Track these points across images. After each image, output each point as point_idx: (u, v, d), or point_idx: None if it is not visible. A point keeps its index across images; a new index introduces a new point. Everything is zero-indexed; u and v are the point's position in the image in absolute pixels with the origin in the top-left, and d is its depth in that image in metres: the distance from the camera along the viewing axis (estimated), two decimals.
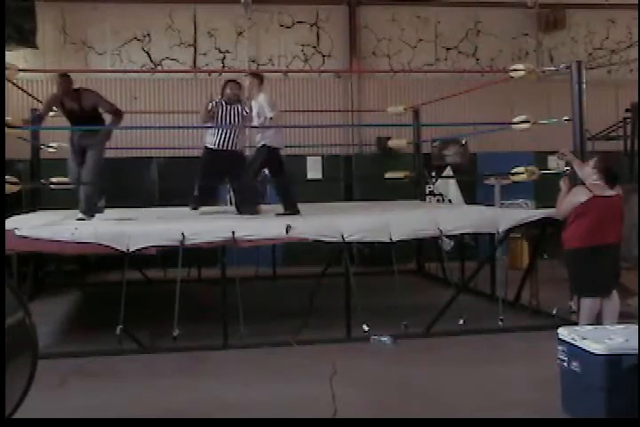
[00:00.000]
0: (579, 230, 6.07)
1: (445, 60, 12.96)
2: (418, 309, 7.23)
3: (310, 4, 12.61)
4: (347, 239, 6.62)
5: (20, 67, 7.07)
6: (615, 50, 13.16)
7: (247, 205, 7.95)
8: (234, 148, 7.90)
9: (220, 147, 7.83)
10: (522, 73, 7.40)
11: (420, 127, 10.58)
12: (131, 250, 6.19)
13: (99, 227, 6.52)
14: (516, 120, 7.58)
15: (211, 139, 7.87)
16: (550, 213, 6.85)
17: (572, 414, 4.37)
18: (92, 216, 7.54)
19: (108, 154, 8.50)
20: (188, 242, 6.29)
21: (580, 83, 6.83)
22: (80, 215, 7.47)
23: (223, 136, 7.84)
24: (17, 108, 10.06)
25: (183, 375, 5.57)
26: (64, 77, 7.51)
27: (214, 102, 7.92)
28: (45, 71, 11.12)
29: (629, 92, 11.47)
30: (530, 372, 5.35)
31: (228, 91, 7.98)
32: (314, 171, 12.34)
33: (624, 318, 6.10)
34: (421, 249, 10.46)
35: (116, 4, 12.01)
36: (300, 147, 11.83)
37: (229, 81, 8.09)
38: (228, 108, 7.90)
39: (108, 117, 7.80)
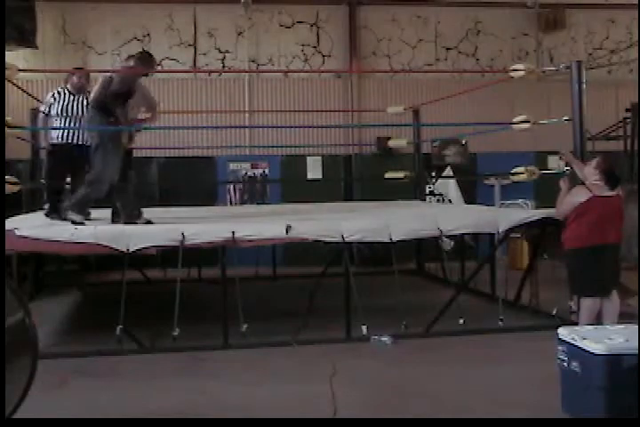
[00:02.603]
0: (579, 230, 6.08)
1: (445, 60, 12.96)
2: (418, 309, 7.23)
3: (310, 3, 12.61)
4: (347, 239, 6.62)
5: (20, 67, 7.05)
6: (615, 50, 13.15)
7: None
8: (80, 142, 7.42)
9: (66, 140, 7.39)
10: (522, 73, 7.39)
11: (420, 127, 10.58)
12: (131, 250, 6.19)
13: (99, 227, 6.51)
14: (516, 120, 7.57)
15: (55, 133, 7.41)
16: (550, 213, 6.85)
17: (572, 414, 4.37)
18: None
19: None
20: (187, 242, 6.28)
21: (580, 83, 6.83)
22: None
23: (68, 130, 7.39)
24: (17, 108, 10.06)
25: (183, 375, 5.56)
26: None
27: (55, 92, 7.53)
28: (45, 71, 11.12)
29: (629, 92, 11.48)
30: (530, 372, 5.34)
31: (75, 80, 7.61)
32: (314, 171, 12.35)
33: (624, 318, 6.10)
34: (421, 249, 10.46)
35: (116, 3, 12.01)
36: (300, 147, 11.86)
37: (78, 68, 7.64)
38: (72, 98, 7.54)
39: None
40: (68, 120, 7.48)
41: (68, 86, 7.70)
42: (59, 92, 7.61)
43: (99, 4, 11.98)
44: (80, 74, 7.85)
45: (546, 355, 5.01)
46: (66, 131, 7.45)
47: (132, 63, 6.89)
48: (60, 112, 7.51)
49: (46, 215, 7.64)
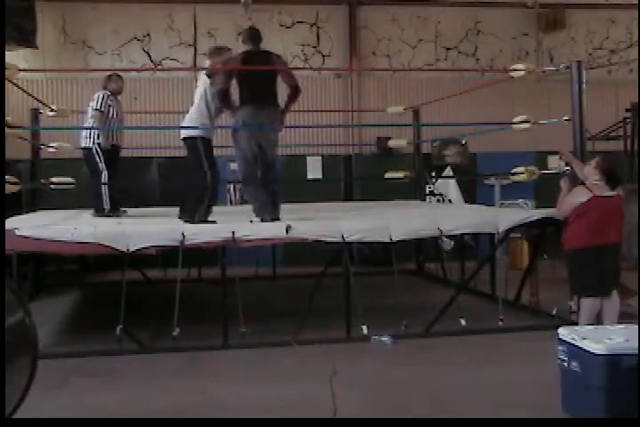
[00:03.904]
0: (579, 230, 6.08)
1: (445, 60, 12.96)
2: (418, 309, 7.24)
3: (310, 3, 12.61)
4: (347, 239, 6.62)
5: (20, 67, 7.06)
6: (615, 50, 13.16)
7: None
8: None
9: (118, 142, 8.08)
10: (522, 73, 7.40)
11: (420, 127, 10.57)
12: (131, 250, 6.19)
13: (99, 227, 6.52)
14: (516, 120, 7.57)
15: (113, 135, 7.95)
16: (550, 213, 6.85)
17: (572, 414, 4.37)
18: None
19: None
20: (187, 242, 6.28)
21: (580, 83, 6.83)
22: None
23: (117, 132, 8.03)
24: (17, 108, 10.06)
25: (183, 375, 5.57)
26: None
27: (106, 95, 7.95)
28: (45, 71, 11.12)
29: (629, 92, 11.46)
30: (530, 372, 5.34)
31: (114, 84, 8.10)
32: (314, 171, 12.34)
33: (624, 318, 6.10)
34: (421, 249, 10.46)
35: (116, 3, 12.01)
36: (299, 147, 11.85)
37: (117, 75, 8.20)
38: (117, 102, 8.09)
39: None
40: (119, 123, 8.02)
41: (111, 90, 8.08)
42: (110, 96, 8.00)
43: (99, 4, 11.98)
44: (118, 80, 8.24)
45: (546, 355, 5.01)
46: (118, 133, 8.06)
47: (247, 46, 7.41)
48: (118, 115, 8.01)
49: (100, 213, 7.84)
